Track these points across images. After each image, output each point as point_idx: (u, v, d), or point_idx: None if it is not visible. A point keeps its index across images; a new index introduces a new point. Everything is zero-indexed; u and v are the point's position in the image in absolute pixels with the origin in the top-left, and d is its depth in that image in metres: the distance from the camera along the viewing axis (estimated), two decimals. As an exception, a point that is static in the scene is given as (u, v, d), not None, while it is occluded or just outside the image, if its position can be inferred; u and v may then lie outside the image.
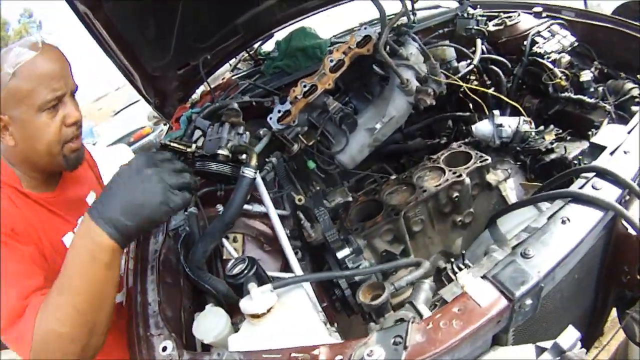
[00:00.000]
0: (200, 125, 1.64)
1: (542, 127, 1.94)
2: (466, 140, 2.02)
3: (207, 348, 1.21)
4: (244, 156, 1.45)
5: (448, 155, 1.88)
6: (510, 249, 1.07)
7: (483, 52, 2.33)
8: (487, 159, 1.75)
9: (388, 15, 1.87)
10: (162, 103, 2.25)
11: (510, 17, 2.40)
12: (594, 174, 1.21)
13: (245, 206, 1.67)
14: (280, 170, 1.98)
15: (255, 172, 1.39)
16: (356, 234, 1.69)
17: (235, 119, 1.58)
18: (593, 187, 1.16)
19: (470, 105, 2.26)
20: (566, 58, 2.15)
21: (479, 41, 2.34)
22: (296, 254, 1.77)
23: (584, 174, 1.25)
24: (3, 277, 1.15)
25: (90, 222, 1.09)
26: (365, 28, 1.82)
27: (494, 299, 0.93)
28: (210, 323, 1.19)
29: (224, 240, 1.64)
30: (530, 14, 2.40)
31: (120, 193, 1.10)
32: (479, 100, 2.08)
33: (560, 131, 1.95)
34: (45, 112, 1.32)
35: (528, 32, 2.27)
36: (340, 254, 1.61)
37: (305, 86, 1.79)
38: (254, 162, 1.40)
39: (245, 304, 1.11)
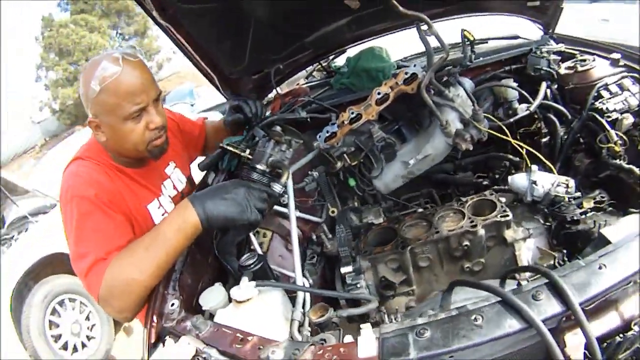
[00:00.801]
0: (256, 134, 1.93)
1: (578, 194, 1.77)
2: (506, 187, 1.96)
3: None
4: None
5: (477, 201, 1.86)
6: (434, 317, 1.07)
7: (546, 97, 2.14)
8: (507, 215, 1.70)
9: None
10: (238, 102, 2.48)
11: (584, 60, 2.11)
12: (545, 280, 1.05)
13: (283, 209, 1.94)
14: (323, 183, 2.22)
15: (282, 188, 1.69)
16: (363, 256, 1.84)
17: (279, 138, 1.83)
18: (533, 296, 1.01)
19: (524, 149, 1.99)
20: (629, 120, 1.90)
21: (543, 85, 2.15)
22: (313, 257, 2.02)
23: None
24: (97, 234, 1.49)
25: (188, 202, 1.47)
26: (414, 65, 1.90)
27: (370, 356, 1.02)
28: (211, 296, 1.48)
29: (252, 235, 1.90)
30: (608, 59, 2.07)
31: (217, 193, 1.49)
32: (529, 149, 1.93)
33: (605, 198, 1.79)
34: (130, 120, 1.58)
35: (597, 82, 1.99)
36: (343, 270, 1.80)
37: (352, 113, 1.98)
38: (283, 179, 1.71)
39: (233, 291, 1.37)
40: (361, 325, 1.10)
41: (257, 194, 1.53)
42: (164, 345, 1.30)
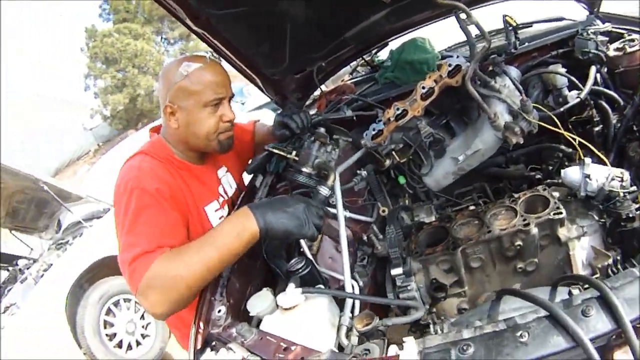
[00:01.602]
0: (302, 135, 1.93)
1: (634, 188, 1.63)
2: (559, 181, 1.84)
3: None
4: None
5: (529, 197, 1.79)
6: (480, 330, 1.05)
7: (596, 82, 2.02)
8: (561, 213, 1.62)
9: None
10: (282, 102, 2.45)
11: (633, 40, 1.99)
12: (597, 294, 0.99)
13: (333, 210, 1.90)
14: (373, 182, 2.18)
15: (329, 191, 1.67)
16: (414, 257, 1.80)
17: (324, 139, 1.82)
18: (583, 312, 0.96)
19: (576, 140, 1.86)
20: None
21: (592, 69, 2.02)
22: (363, 259, 1.97)
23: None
24: (151, 228, 1.47)
25: (248, 210, 1.45)
26: (457, 56, 1.84)
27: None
28: (258, 301, 1.44)
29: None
30: None
31: (278, 206, 1.48)
32: (581, 141, 1.80)
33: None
34: (208, 108, 1.68)
35: (648, 63, 1.85)
36: (393, 272, 1.75)
37: (397, 109, 1.92)
38: (330, 182, 1.69)
39: (280, 297, 1.35)
40: (404, 339, 1.07)
41: (315, 210, 1.53)
42: (211, 350, 1.30)
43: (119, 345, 4.66)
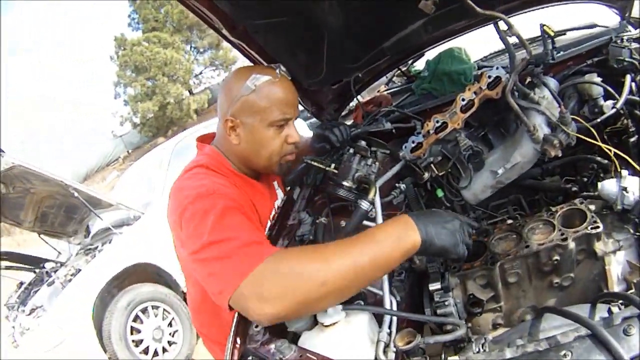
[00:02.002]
0: (341, 149, 1.91)
1: None
2: (595, 193, 1.77)
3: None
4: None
5: (566, 210, 1.73)
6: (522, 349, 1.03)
7: (631, 91, 1.92)
8: (598, 227, 1.57)
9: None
10: (318, 112, 2.43)
11: None
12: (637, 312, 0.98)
13: (371, 223, 1.86)
14: (411, 195, 2.13)
15: (370, 204, 1.61)
16: (452, 272, 1.76)
17: (364, 152, 1.79)
18: (625, 330, 0.95)
19: (612, 151, 1.84)
20: None
21: (628, 77, 1.92)
22: (401, 273, 1.92)
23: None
24: (244, 225, 1.33)
25: (409, 219, 1.30)
26: (497, 67, 1.79)
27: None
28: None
29: None
30: None
31: (437, 220, 1.34)
32: (617, 152, 1.76)
33: None
34: (274, 127, 1.59)
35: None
36: (431, 287, 1.70)
37: (437, 122, 1.88)
38: (371, 195, 1.62)
39: (320, 314, 1.30)
40: (449, 358, 1.09)
41: (467, 229, 1.42)
42: None
43: (145, 351, 4.72)
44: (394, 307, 1.58)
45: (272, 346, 1.27)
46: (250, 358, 1.30)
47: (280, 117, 1.57)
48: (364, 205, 1.60)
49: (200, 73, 24.24)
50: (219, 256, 1.23)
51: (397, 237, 1.24)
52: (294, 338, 1.35)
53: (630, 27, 2.18)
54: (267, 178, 1.88)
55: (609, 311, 1.09)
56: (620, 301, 1.14)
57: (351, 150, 1.86)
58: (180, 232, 1.40)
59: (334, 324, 1.28)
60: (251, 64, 1.69)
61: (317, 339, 1.29)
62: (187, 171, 1.59)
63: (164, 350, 4.85)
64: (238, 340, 1.37)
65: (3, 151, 4.42)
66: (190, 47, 23.55)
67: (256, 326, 1.38)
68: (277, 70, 1.59)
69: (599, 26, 2.44)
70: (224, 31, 1.77)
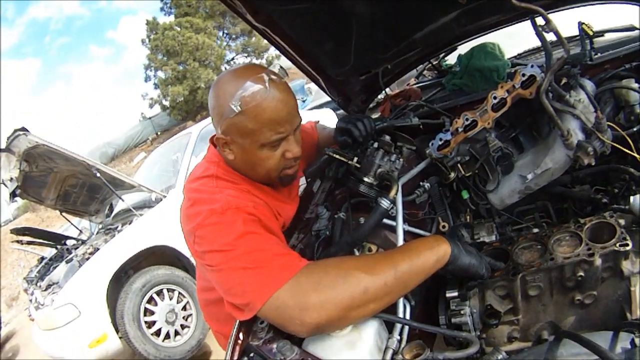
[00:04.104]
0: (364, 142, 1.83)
1: None
2: (626, 207, 1.70)
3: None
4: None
5: (595, 223, 1.63)
6: None
7: None
8: (627, 244, 1.47)
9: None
10: (345, 103, 2.35)
11: None
12: None
13: (392, 222, 1.79)
14: (435, 195, 2.05)
15: (391, 203, 1.55)
16: (474, 282, 1.66)
17: (388, 147, 1.72)
18: None
19: None
20: None
21: None
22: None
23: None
24: (272, 240, 1.29)
25: (439, 235, 1.44)
26: (532, 65, 1.68)
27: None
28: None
29: (355, 251, 1.75)
30: None
31: (463, 242, 1.47)
32: None
33: None
34: (267, 148, 1.42)
35: None
36: (448, 294, 1.62)
37: (467, 119, 1.79)
38: (392, 193, 1.56)
39: None
40: None
41: (487, 265, 1.53)
42: None
43: (157, 333, 4.75)
44: (408, 312, 1.51)
45: (274, 346, 1.21)
46: (251, 355, 1.25)
47: (273, 138, 1.40)
48: (384, 203, 1.53)
49: (232, 59, 24.35)
50: (246, 266, 1.19)
51: (430, 246, 1.32)
52: (300, 340, 1.28)
53: None
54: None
55: (632, 343, 1.05)
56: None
57: (375, 145, 1.79)
58: (194, 245, 1.35)
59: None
60: (239, 66, 1.48)
61: (322, 343, 1.22)
62: (196, 179, 1.50)
63: (176, 333, 4.88)
64: (241, 335, 1.31)
65: (27, 130, 4.46)
66: (223, 33, 23.66)
67: (261, 322, 1.32)
68: (266, 80, 1.35)
69: (638, 29, 2.33)
70: (248, 16, 1.70)
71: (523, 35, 2.30)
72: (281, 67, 1.44)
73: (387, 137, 1.79)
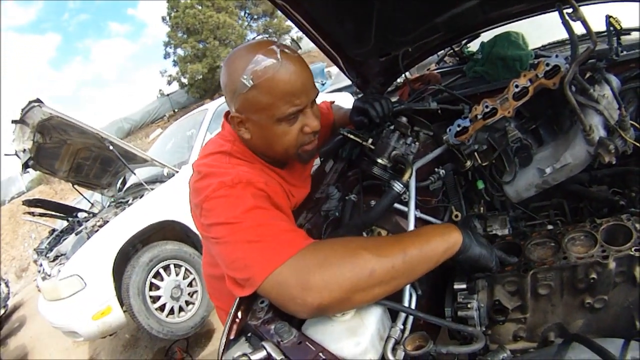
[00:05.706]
0: (381, 124, 1.79)
1: None
2: None
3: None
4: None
5: (611, 225, 1.56)
6: None
7: None
8: None
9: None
10: (363, 84, 2.31)
11: None
12: None
13: (404, 208, 1.75)
14: (450, 183, 2.00)
15: (403, 188, 1.51)
16: (481, 274, 1.61)
17: (404, 130, 1.68)
18: None
19: None
20: None
21: None
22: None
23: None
24: (279, 217, 1.25)
25: (451, 224, 1.37)
26: (556, 56, 1.61)
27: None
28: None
29: (364, 234, 1.71)
30: None
31: (475, 233, 1.40)
32: None
33: None
34: (284, 122, 1.36)
35: None
36: (456, 285, 1.58)
37: (487, 107, 1.73)
38: (405, 177, 1.52)
39: None
40: None
41: (496, 258, 1.48)
42: (245, 341, 1.21)
43: (161, 308, 4.77)
44: (414, 301, 1.47)
45: (272, 327, 1.17)
46: (249, 334, 1.23)
47: (289, 112, 1.34)
48: (397, 186, 1.49)
49: (254, 39, 24.18)
50: (251, 240, 1.15)
51: (441, 233, 1.26)
52: (300, 322, 1.24)
53: None
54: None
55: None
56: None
57: (391, 127, 1.74)
58: (200, 218, 1.32)
59: (343, 314, 1.16)
60: (249, 42, 1.40)
61: (322, 327, 1.18)
62: (209, 154, 1.47)
63: (181, 309, 4.90)
64: (240, 314, 1.29)
65: (41, 101, 4.46)
66: (245, 13, 23.54)
67: (261, 302, 1.29)
68: (277, 52, 1.30)
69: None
70: (269, -8, 1.67)
71: (547, 27, 2.29)
72: (293, 39, 1.41)
73: (404, 120, 1.74)
